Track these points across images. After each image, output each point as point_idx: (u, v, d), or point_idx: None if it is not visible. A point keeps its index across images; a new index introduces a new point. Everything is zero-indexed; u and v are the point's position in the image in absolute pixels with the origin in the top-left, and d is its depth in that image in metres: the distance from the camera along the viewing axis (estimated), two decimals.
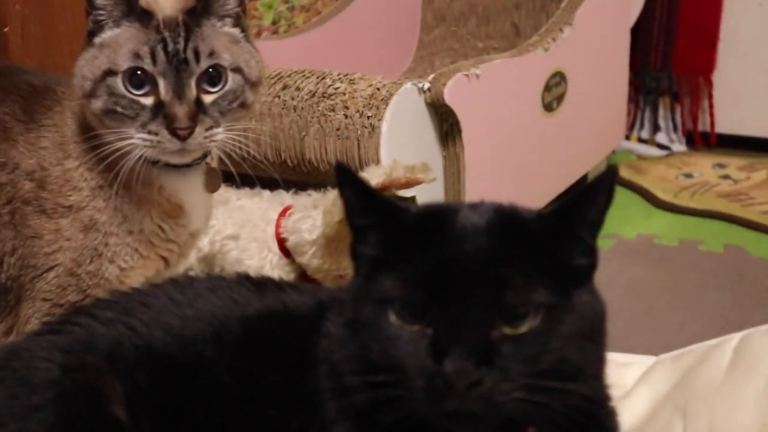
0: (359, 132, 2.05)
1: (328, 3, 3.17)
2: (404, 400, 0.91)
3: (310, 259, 1.90)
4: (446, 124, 2.20)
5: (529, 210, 1.01)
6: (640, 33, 3.48)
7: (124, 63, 1.32)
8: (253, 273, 1.24)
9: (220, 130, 1.37)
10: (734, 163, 3.49)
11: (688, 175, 3.41)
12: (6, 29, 1.91)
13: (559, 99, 2.71)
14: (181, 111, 1.32)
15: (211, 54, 1.35)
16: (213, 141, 1.37)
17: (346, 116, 2.07)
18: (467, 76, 2.22)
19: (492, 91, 2.36)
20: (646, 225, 3.01)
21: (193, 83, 1.34)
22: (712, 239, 2.87)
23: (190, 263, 1.89)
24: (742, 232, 2.91)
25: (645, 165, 3.53)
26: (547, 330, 0.92)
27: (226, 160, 1.46)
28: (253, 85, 1.41)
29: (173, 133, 1.32)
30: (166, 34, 1.33)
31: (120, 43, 1.34)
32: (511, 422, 0.92)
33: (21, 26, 1.91)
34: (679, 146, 3.66)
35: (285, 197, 2.06)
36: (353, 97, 2.09)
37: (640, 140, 3.73)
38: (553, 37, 2.64)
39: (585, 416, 0.96)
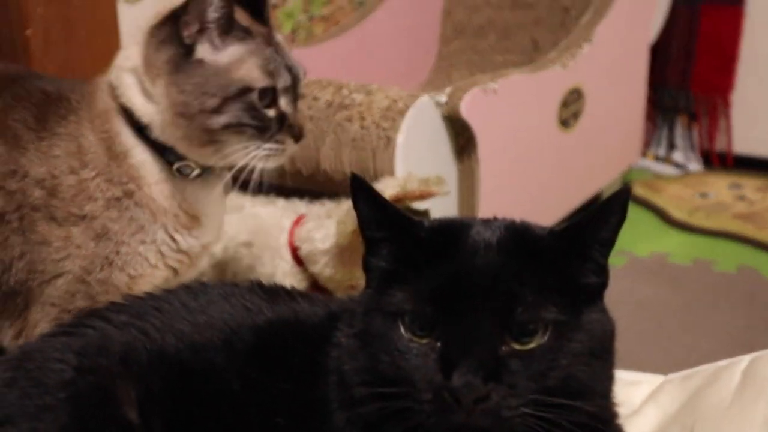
0: (375, 143, 2.06)
1: (347, 13, 3.18)
2: (412, 412, 0.92)
3: (322, 268, 1.90)
4: (462, 137, 2.21)
5: (541, 227, 1.01)
6: (659, 51, 3.48)
7: (261, 81, 1.43)
8: (265, 280, 1.24)
9: None
10: (750, 184, 3.48)
11: (704, 195, 3.41)
12: (28, 32, 1.93)
13: (576, 115, 2.71)
14: (299, 120, 1.50)
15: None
16: None
17: (362, 127, 2.08)
18: (484, 90, 2.23)
19: (509, 106, 2.36)
20: (660, 243, 3.01)
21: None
22: (725, 260, 2.86)
23: (202, 269, 1.90)
24: (756, 254, 2.90)
25: (661, 183, 3.52)
26: (556, 347, 0.93)
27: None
28: None
29: (297, 139, 1.48)
30: (281, 51, 1.47)
31: (243, 59, 1.42)
32: None
33: (43, 29, 1.93)
34: (695, 165, 3.66)
35: (299, 206, 2.06)
36: (370, 109, 2.10)
37: (657, 158, 3.72)
38: (572, 54, 2.65)
39: None
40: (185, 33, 1.40)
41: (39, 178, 1.42)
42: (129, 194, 1.44)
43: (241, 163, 1.45)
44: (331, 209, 1.93)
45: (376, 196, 1.00)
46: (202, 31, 1.40)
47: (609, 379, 1.01)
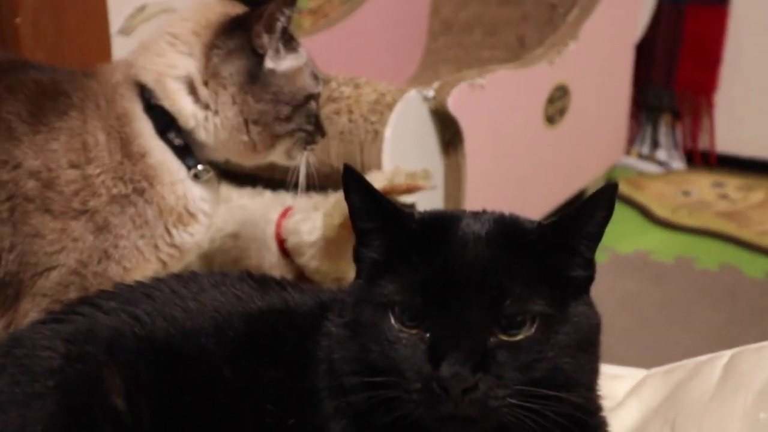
0: (363, 136, 2.07)
1: (336, 6, 3.17)
2: (401, 401, 0.94)
3: (308, 260, 1.91)
4: (449, 132, 2.22)
5: (529, 221, 1.03)
6: (644, 50, 3.50)
7: (314, 87, 1.55)
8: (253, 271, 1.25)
9: None
10: (732, 183, 3.51)
11: (687, 193, 3.43)
12: (18, 20, 1.92)
13: (562, 112, 2.73)
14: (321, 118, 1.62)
15: None
16: None
17: (350, 120, 2.09)
18: (471, 86, 2.24)
19: (495, 101, 2.38)
20: (642, 241, 3.03)
21: None
22: (707, 257, 2.89)
23: (189, 261, 1.90)
24: (737, 252, 2.93)
25: (644, 181, 3.55)
26: (543, 339, 0.94)
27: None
28: None
29: (323, 137, 1.61)
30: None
31: (301, 67, 1.53)
32: (504, 428, 0.94)
33: (33, 18, 1.92)
34: (678, 164, 3.68)
35: (286, 198, 2.07)
36: (358, 102, 2.10)
37: (641, 156, 3.75)
38: (558, 51, 2.67)
39: (576, 425, 0.98)
40: (257, 43, 1.47)
41: (33, 170, 1.42)
42: (139, 192, 1.46)
43: (289, 163, 1.58)
44: (318, 202, 1.93)
45: (368, 187, 1.01)
46: (270, 41, 1.48)
47: (594, 372, 1.03)
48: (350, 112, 2.09)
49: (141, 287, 1.19)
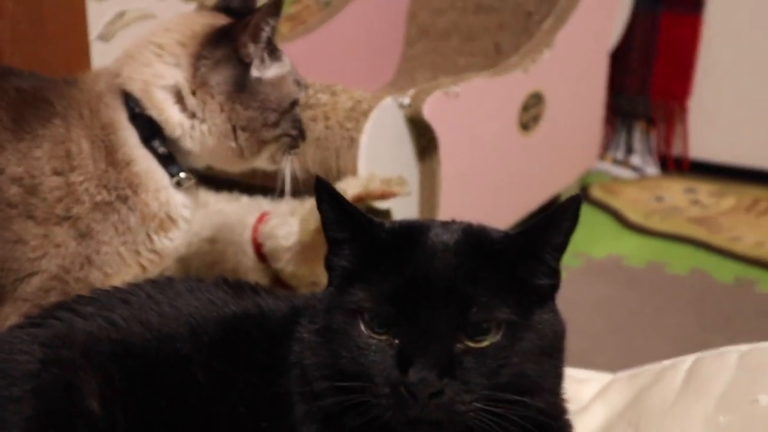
0: (338, 143, 2.09)
1: (314, 12, 3.19)
2: (370, 405, 0.96)
3: (285, 265, 1.93)
4: (424, 139, 2.24)
5: (496, 231, 1.05)
6: (619, 57, 3.53)
7: (298, 92, 1.60)
8: (228, 276, 1.27)
9: None
10: (705, 189, 3.55)
11: (660, 199, 3.47)
12: None
13: (536, 119, 2.76)
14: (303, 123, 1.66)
15: None
16: None
17: (326, 127, 2.11)
18: (447, 93, 2.26)
19: (470, 109, 2.40)
20: (615, 246, 3.06)
21: None
22: (678, 263, 2.92)
23: (167, 265, 1.92)
24: (708, 257, 2.97)
25: (618, 186, 3.58)
26: (508, 346, 0.97)
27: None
28: None
29: (304, 141, 1.65)
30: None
31: (286, 75, 1.57)
32: (469, 431, 0.97)
33: (11, 24, 1.92)
34: (652, 169, 3.72)
35: (263, 203, 2.09)
36: (334, 109, 2.13)
37: (615, 162, 3.78)
38: (533, 59, 2.69)
39: (541, 428, 1.01)
40: (244, 52, 1.51)
41: (16, 176, 1.44)
42: (123, 199, 1.49)
43: (274, 168, 1.62)
44: (294, 207, 1.95)
45: (339, 198, 1.03)
46: (256, 50, 1.51)
47: (558, 377, 1.05)
48: (327, 118, 2.12)
49: (118, 292, 1.21)
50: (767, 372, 1.25)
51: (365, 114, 2.09)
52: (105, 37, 2.35)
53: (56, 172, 1.46)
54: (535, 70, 2.68)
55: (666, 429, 1.25)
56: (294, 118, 1.59)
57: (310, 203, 1.86)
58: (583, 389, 1.44)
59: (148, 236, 1.52)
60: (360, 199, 1.80)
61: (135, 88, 1.51)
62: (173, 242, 1.57)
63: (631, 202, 3.42)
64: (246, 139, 1.54)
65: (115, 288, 1.23)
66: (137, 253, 1.52)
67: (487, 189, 2.60)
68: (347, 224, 1.03)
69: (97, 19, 2.26)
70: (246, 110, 1.52)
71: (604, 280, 2.79)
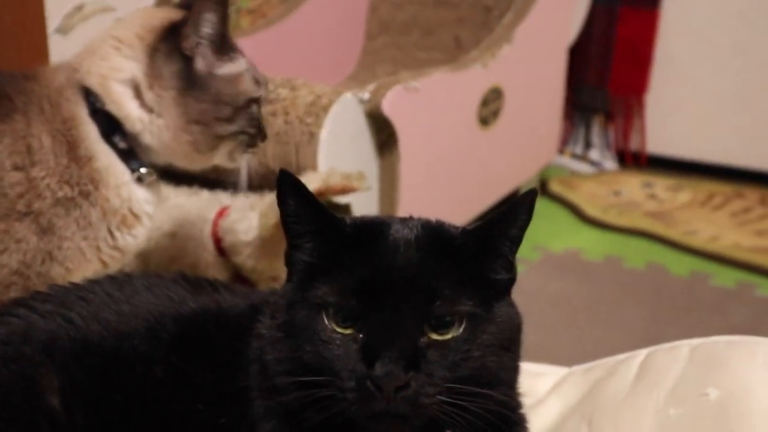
0: (298, 138, 2.09)
1: (274, 6, 3.18)
2: (334, 400, 0.97)
3: (245, 259, 1.93)
4: (384, 134, 2.25)
5: (454, 226, 1.07)
6: (578, 52, 3.57)
7: (256, 91, 1.59)
8: (188, 271, 1.27)
9: None
10: (661, 183, 3.60)
11: (617, 193, 3.51)
12: None
13: (496, 114, 2.78)
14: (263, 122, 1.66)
15: None
16: None
17: (286, 122, 2.11)
18: (406, 88, 2.27)
19: (430, 103, 2.41)
20: (573, 240, 3.10)
21: None
22: (635, 256, 2.96)
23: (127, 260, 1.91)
24: (664, 251, 3.01)
25: (576, 181, 3.62)
26: (470, 339, 0.99)
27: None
28: None
29: (263, 140, 1.65)
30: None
31: (242, 72, 1.56)
32: (432, 423, 0.98)
33: None
34: (610, 164, 3.76)
35: (223, 198, 2.08)
36: (294, 104, 2.13)
37: (574, 156, 3.81)
38: (492, 53, 2.71)
39: (499, 420, 1.03)
40: (184, 45, 1.50)
41: None
42: (85, 194, 1.48)
43: (233, 166, 1.63)
44: (254, 202, 1.95)
45: (305, 191, 1.03)
46: (198, 44, 1.50)
47: (515, 370, 1.07)
48: (286, 113, 2.12)
49: (76, 290, 1.20)
50: (717, 366, 1.27)
51: (325, 109, 2.10)
52: (63, 30, 2.33)
53: (17, 168, 1.45)
54: (494, 64, 2.70)
55: (618, 422, 1.27)
56: (251, 116, 1.59)
57: (270, 198, 1.86)
58: (539, 383, 1.46)
59: (110, 232, 1.52)
60: (320, 194, 1.80)
61: (94, 83, 1.50)
62: (136, 239, 1.57)
63: (589, 197, 3.45)
64: (200, 132, 1.53)
65: (74, 285, 1.23)
66: (98, 249, 1.52)
67: (446, 183, 2.62)
68: (311, 218, 1.03)
69: (55, 11, 2.23)
70: (199, 104, 1.51)
71: (561, 274, 2.82)
